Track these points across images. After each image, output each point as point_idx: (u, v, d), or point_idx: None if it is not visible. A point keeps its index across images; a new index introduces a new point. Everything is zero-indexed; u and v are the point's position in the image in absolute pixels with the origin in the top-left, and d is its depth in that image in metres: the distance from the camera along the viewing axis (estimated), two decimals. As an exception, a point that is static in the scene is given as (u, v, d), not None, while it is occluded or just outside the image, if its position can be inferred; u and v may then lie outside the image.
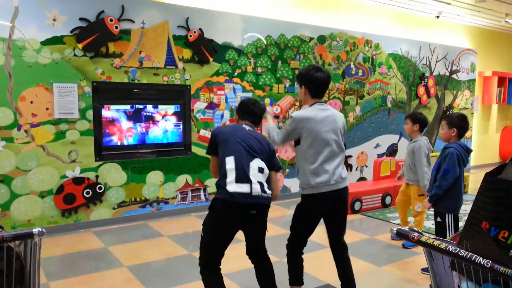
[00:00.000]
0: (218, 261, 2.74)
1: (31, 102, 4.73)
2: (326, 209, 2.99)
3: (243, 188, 2.58)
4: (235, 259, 3.40)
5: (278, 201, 6.45)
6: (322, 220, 3.09)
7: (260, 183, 2.65)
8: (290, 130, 2.94)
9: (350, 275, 3.14)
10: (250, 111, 2.99)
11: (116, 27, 5.13)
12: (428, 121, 4.81)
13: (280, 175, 2.83)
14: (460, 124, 3.57)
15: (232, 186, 2.57)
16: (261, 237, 2.88)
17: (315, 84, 2.94)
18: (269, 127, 3.15)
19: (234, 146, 2.70)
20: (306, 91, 2.98)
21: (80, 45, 4.94)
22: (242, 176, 2.60)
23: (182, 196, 5.82)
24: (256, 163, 2.68)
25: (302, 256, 3.11)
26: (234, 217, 2.64)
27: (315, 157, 2.88)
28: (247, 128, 2.89)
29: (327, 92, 7.04)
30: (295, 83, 6.71)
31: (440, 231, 3.60)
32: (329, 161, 2.91)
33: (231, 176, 2.59)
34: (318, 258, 3.48)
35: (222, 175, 2.65)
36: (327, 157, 2.90)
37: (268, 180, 2.77)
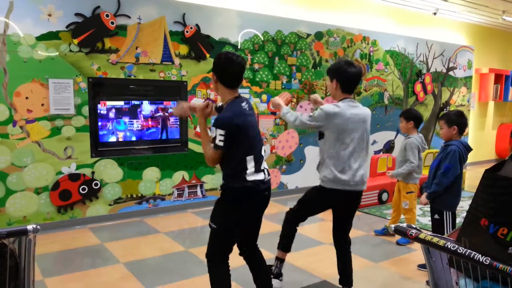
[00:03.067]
0: (228, 254, 2.76)
1: (26, 98, 4.70)
2: (340, 204, 3.05)
3: (260, 176, 2.66)
4: (231, 256, 3.40)
5: (275, 197, 6.44)
6: (321, 215, 3.14)
7: (267, 169, 2.76)
8: (316, 123, 2.95)
9: (349, 269, 3.19)
10: (235, 75, 2.68)
11: (112, 23, 5.10)
12: (423, 117, 4.78)
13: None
14: (459, 121, 3.56)
15: (252, 176, 2.62)
16: (259, 226, 2.91)
17: (348, 79, 2.94)
18: (287, 113, 3.11)
19: (251, 141, 2.65)
20: (338, 86, 2.97)
21: (75, 41, 4.90)
22: (258, 167, 2.67)
23: (178, 192, 5.80)
24: (262, 153, 2.74)
25: (297, 227, 3.23)
26: (257, 203, 2.71)
27: (339, 154, 2.91)
28: (246, 107, 2.70)
29: (324, 89, 7.03)
30: (292, 79, 6.70)
31: (437, 228, 3.60)
32: (353, 160, 2.93)
33: (250, 168, 2.62)
34: (314, 255, 3.48)
35: (239, 167, 2.61)
36: (350, 156, 2.92)
37: None
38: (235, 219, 2.69)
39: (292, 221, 3.22)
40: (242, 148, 2.60)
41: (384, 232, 4.91)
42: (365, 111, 3.03)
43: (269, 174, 2.77)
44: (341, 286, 3.21)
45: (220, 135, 2.52)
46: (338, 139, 2.89)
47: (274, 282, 3.15)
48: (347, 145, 2.90)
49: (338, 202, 3.02)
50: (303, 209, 3.18)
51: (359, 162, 2.96)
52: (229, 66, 2.63)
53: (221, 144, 2.53)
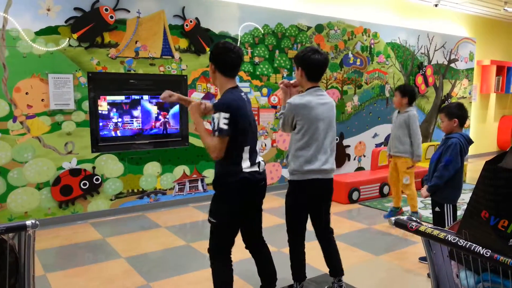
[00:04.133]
0: (231, 248, 2.76)
1: (26, 93, 4.69)
2: (314, 195, 3.00)
3: (255, 167, 2.69)
4: (233, 249, 3.40)
5: (276, 191, 6.44)
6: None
7: (263, 160, 2.80)
8: (286, 117, 2.93)
9: (337, 258, 3.16)
10: (233, 63, 2.62)
11: (111, 17, 5.07)
12: (417, 94, 4.83)
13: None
14: (460, 113, 3.53)
15: (248, 168, 2.64)
16: (260, 217, 2.91)
17: (312, 66, 2.89)
18: (280, 117, 3.05)
19: (248, 132, 2.65)
20: (303, 74, 2.93)
21: (75, 35, 4.88)
22: (254, 160, 2.69)
23: (179, 187, 5.80)
24: (258, 146, 2.79)
25: (304, 250, 3.11)
26: (254, 194, 2.72)
27: (308, 144, 2.88)
28: (245, 97, 2.67)
29: (325, 82, 7.01)
30: (293, 72, 6.67)
31: (438, 220, 3.59)
32: (322, 150, 2.91)
33: (246, 163, 2.64)
34: (316, 248, 3.47)
35: (237, 158, 2.60)
36: (320, 146, 2.90)
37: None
38: (232, 212, 2.67)
39: (292, 243, 3.09)
40: (242, 135, 2.58)
41: (392, 212, 5.05)
42: (331, 100, 3.00)
43: (264, 165, 2.81)
44: (333, 278, 3.19)
45: (225, 118, 2.44)
46: (306, 130, 2.86)
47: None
48: (315, 135, 2.87)
49: (313, 192, 2.96)
50: (290, 222, 3.06)
51: (328, 152, 2.94)
52: (226, 54, 2.59)
53: (226, 127, 2.43)
